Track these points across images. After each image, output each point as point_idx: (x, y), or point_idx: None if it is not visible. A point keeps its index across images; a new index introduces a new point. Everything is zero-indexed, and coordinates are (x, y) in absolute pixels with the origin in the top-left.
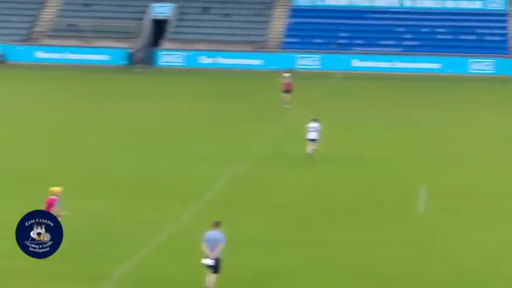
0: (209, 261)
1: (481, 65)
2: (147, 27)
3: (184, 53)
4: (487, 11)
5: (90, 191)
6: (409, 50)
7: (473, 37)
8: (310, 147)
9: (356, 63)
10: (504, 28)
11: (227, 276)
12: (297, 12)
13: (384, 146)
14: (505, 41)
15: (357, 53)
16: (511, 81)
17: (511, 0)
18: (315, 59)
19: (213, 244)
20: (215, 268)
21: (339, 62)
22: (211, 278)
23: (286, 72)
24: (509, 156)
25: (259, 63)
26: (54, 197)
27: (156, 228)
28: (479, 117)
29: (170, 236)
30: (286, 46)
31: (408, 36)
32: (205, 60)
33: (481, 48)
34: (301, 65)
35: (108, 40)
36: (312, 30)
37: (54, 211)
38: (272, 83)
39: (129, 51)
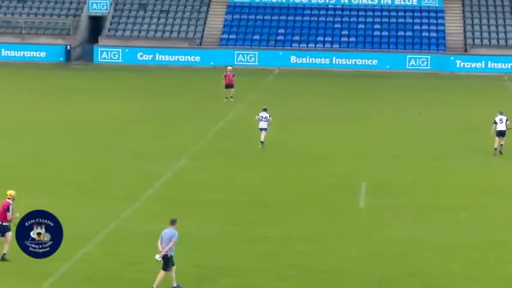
0: (158, 256)
1: (418, 61)
2: (83, 24)
3: (122, 50)
4: (423, 8)
5: (29, 189)
6: (347, 47)
7: (410, 33)
8: (262, 136)
9: (294, 59)
10: (440, 25)
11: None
12: (235, 8)
13: (324, 142)
14: (441, 38)
15: (295, 50)
16: (447, 77)
17: None
18: (253, 55)
19: (166, 241)
20: (164, 264)
21: (277, 59)
22: (160, 274)
23: (229, 67)
24: (446, 150)
25: (197, 60)
26: (8, 200)
27: (97, 225)
28: (415, 112)
29: (111, 234)
30: (224, 43)
31: (345, 32)
32: (143, 57)
33: (418, 44)
34: (239, 62)
35: (45, 37)
36: (250, 27)
37: (8, 215)
38: (210, 79)
39: (67, 47)
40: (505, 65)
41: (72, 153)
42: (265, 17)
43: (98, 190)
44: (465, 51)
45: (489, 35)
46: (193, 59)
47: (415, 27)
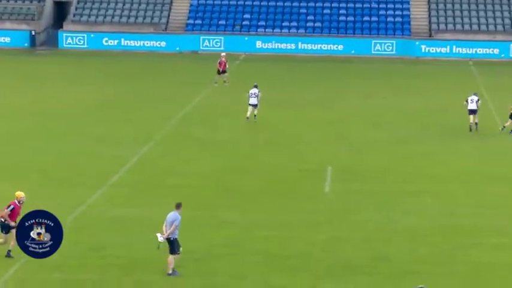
0: (159, 236)
1: (383, 46)
2: (48, 9)
3: (88, 35)
4: None
5: None
6: (312, 32)
7: (375, 19)
8: (249, 112)
9: (260, 44)
10: (405, 9)
11: (135, 257)
12: None
13: (291, 127)
14: (406, 22)
15: (261, 35)
16: (412, 62)
17: None
18: (219, 40)
19: (169, 224)
20: (170, 248)
21: (243, 44)
22: (169, 259)
23: (223, 53)
24: (413, 135)
25: (162, 45)
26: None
27: (63, 212)
28: (381, 97)
29: (77, 220)
30: (189, 28)
31: (311, 17)
32: (108, 42)
33: (383, 29)
34: (205, 47)
35: (9, 22)
36: (216, 12)
37: (3, 212)
38: (176, 64)
39: (31, 33)
40: (469, 50)
41: (37, 139)
42: (231, 2)
43: (63, 176)
44: (430, 36)
45: (454, 19)
46: (159, 44)
47: (380, 12)
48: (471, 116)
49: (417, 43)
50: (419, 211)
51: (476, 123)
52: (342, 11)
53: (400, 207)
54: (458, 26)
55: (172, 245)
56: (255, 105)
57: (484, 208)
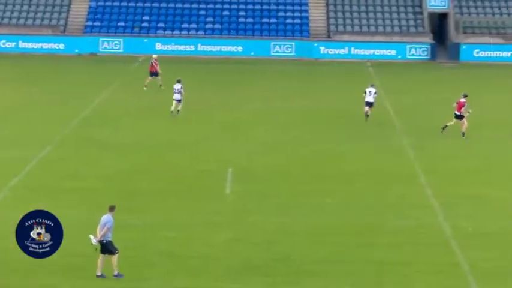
0: (92, 239)
1: (283, 48)
2: None
3: None
4: None
5: None
6: (211, 33)
7: (274, 20)
8: (173, 107)
9: (159, 46)
10: (304, 11)
11: (34, 261)
12: None
13: (193, 129)
14: (305, 24)
15: (160, 37)
16: (312, 64)
17: None
18: (118, 42)
19: (102, 227)
20: (102, 249)
21: (142, 46)
22: (112, 259)
23: (154, 55)
24: (314, 136)
25: (61, 47)
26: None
27: None
28: (282, 98)
29: None
30: (88, 30)
31: (210, 19)
32: (6, 44)
33: (282, 31)
34: (104, 49)
35: None
36: (115, 14)
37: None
38: (75, 66)
39: None
40: (367, 51)
41: None
42: (130, 4)
43: None
44: (328, 37)
45: (352, 21)
46: (57, 46)
47: (279, 14)
48: (366, 108)
49: (316, 44)
50: (319, 211)
51: (367, 115)
52: (241, 13)
53: (301, 207)
54: (356, 28)
55: (107, 247)
56: (178, 101)
57: (383, 207)
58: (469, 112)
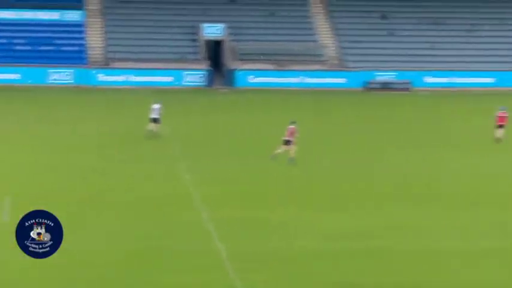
0: None
1: (61, 75)
2: None
3: None
4: (65, 22)
5: None
6: None
7: (52, 48)
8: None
9: None
10: (81, 39)
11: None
12: None
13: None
14: (82, 51)
15: None
16: (90, 91)
17: (88, 12)
18: None
19: None
20: None
21: None
22: None
23: None
24: (108, 162)
25: None
26: None
27: None
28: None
29: None
30: None
31: None
32: None
33: (60, 58)
34: None
35: None
36: None
37: None
38: None
39: None
40: (145, 78)
41: None
42: None
43: None
44: (107, 65)
45: (130, 49)
46: None
47: (57, 41)
48: (152, 124)
49: (94, 72)
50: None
51: (153, 132)
52: (19, 40)
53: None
54: (134, 55)
55: None
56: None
57: (160, 232)
58: (295, 138)
